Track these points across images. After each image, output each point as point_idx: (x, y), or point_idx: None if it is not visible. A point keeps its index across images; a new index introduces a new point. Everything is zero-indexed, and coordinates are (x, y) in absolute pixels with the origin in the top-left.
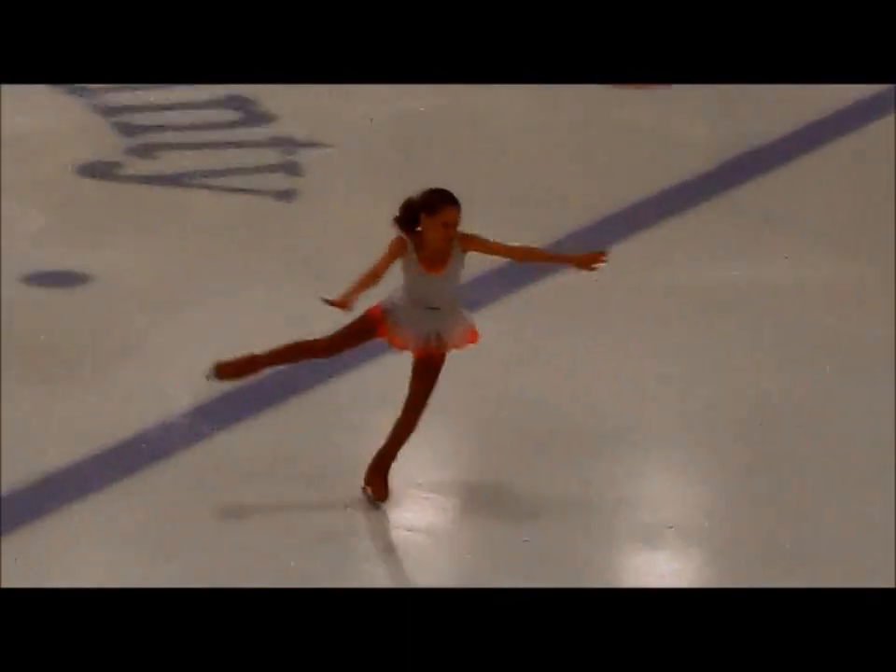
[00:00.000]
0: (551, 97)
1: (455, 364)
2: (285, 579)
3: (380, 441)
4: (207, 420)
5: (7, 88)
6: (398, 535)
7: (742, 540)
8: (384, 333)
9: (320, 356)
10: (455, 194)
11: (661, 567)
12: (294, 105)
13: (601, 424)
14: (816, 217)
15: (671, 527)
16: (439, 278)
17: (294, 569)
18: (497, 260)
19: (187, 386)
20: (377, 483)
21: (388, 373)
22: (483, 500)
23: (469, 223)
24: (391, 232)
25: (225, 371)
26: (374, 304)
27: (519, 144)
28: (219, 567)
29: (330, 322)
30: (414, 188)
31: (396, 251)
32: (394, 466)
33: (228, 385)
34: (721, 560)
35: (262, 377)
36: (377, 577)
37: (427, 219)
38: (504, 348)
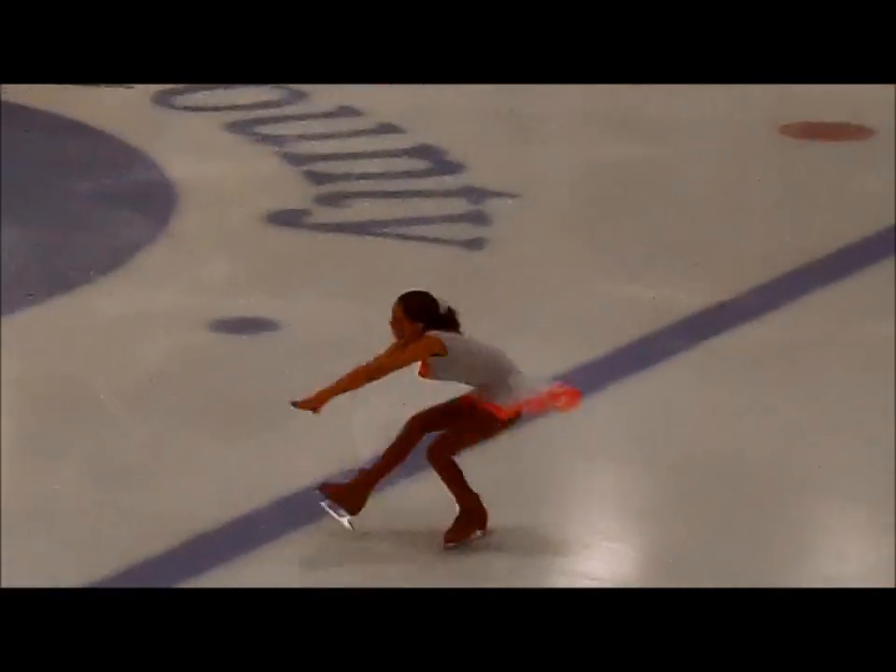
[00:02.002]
0: (735, 146)
1: (642, 415)
2: None
3: None
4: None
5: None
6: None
7: None
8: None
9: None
10: (638, 245)
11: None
12: (482, 154)
13: (785, 474)
14: None
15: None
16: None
17: None
18: (683, 311)
19: (369, 436)
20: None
21: None
22: (662, 550)
23: (647, 276)
24: (588, 277)
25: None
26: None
27: (706, 197)
28: None
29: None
30: (602, 234)
31: (430, 352)
32: (575, 513)
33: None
34: None
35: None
36: None
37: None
38: (691, 399)
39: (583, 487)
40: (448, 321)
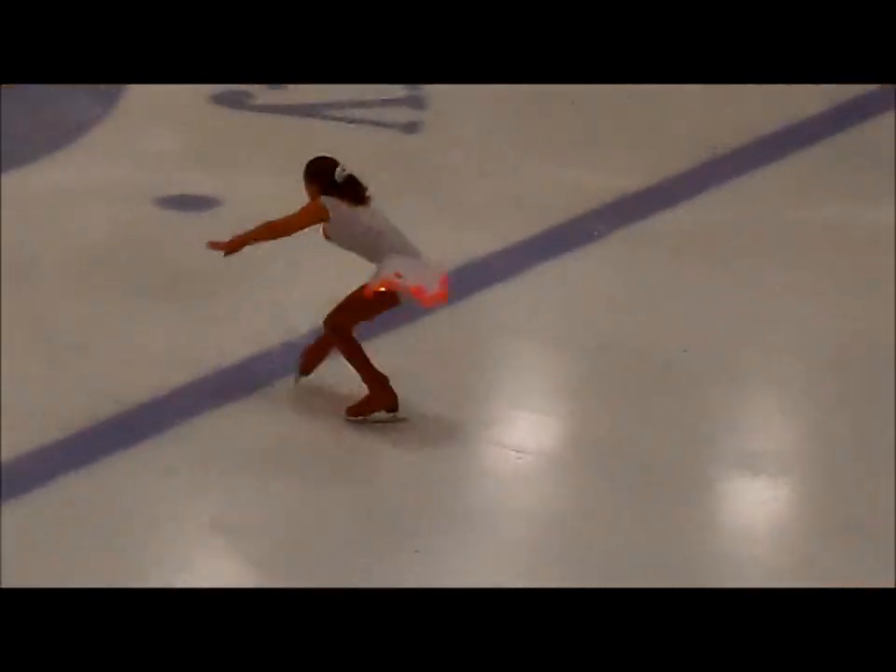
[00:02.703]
0: None
1: (570, 298)
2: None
3: None
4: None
5: None
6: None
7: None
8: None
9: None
10: (567, 131)
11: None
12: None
13: (707, 358)
14: None
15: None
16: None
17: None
18: (614, 194)
19: (305, 309)
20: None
21: None
22: (588, 424)
23: (575, 160)
24: (518, 160)
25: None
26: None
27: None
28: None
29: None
30: (533, 118)
31: (317, 216)
32: (502, 388)
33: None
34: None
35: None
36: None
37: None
38: (617, 283)
39: (508, 364)
40: (346, 189)
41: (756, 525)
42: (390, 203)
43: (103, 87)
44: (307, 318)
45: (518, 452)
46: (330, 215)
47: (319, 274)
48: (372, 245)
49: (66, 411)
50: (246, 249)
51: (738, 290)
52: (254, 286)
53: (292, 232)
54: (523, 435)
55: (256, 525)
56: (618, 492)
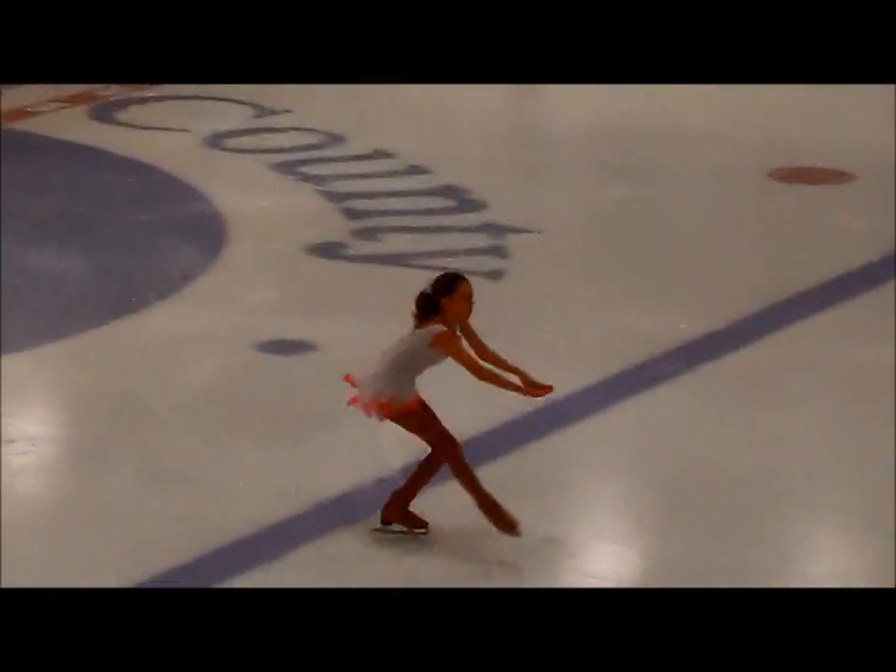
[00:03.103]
0: (728, 189)
1: (644, 435)
2: None
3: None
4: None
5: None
6: (587, 583)
7: None
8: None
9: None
10: (642, 277)
11: None
12: (501, 194)
13: (769, 486)
14: None
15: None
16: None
17: None
18: (683, 337)
19: (400, 446)
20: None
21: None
22: (664, 551)
23: (650, 300)
24: (593, 307)
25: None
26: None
27: (700, 235)
28: None
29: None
30: (607, 268)
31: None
32: (583, 520)
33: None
34: None
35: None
36: None
37: (449, 300)
38: (688, 421)
39: (587, 495)
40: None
41: None
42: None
43: (207, 239)
44: (400, 455)
45: (596, 579)
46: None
47: None
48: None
49: (173, 541)
50: (343, 391)
51: (805, 425)
52: (350, 425)
53: (474, 363)
54: (603, 565)
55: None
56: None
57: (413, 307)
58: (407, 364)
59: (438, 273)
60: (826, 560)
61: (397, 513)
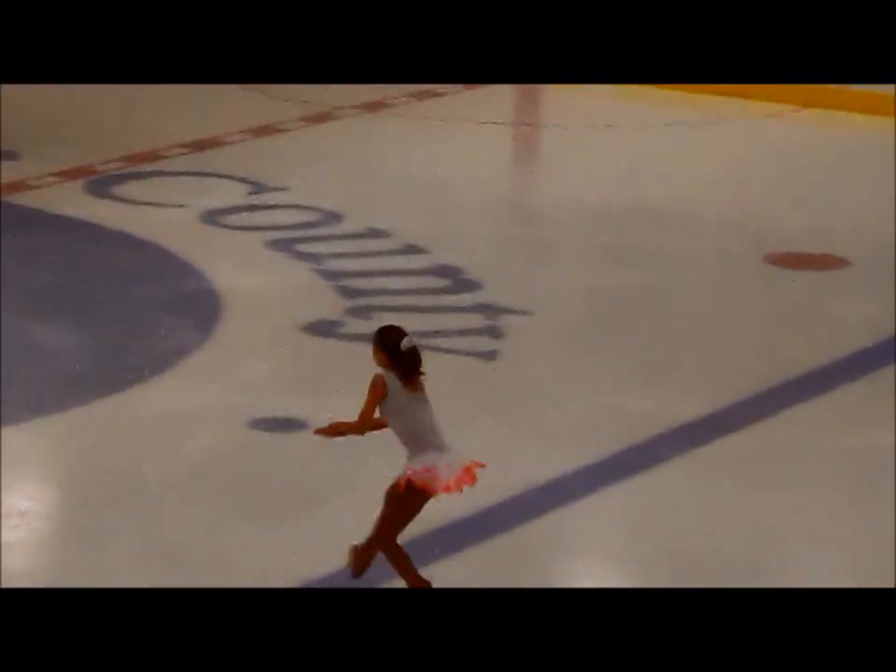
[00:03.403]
0: (724, 273)
1: (636, 519)
2: None
3: None
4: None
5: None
6: None
7: None
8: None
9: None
10: (638, 359)
11: None
12: (496, 274)
13: (773, 576)
14: None
15: None
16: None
17: None
18: (677, 421)
19: None
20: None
21: None
22: None
23: (646, 382)
24: (589, 388)
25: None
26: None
27: (696, 319)
28: None
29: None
30: (602, 349)
31: (379, 392)
32: None
33: (427, 525)
34: None
35: None
36: None
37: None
38: (681, 504)
39: (576, 581)
40: (407, 359)
41: None
42: (469, 423)
43: (201, 316)
44: None
45: None
46: (388, 391)
47: None
48: (414, 435)
49: None
50: (334, 468)
51: (802, 513)
52: (341, 502)
53: (370, 414)
54: None
55: None
56: None
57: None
58: None
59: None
60: None
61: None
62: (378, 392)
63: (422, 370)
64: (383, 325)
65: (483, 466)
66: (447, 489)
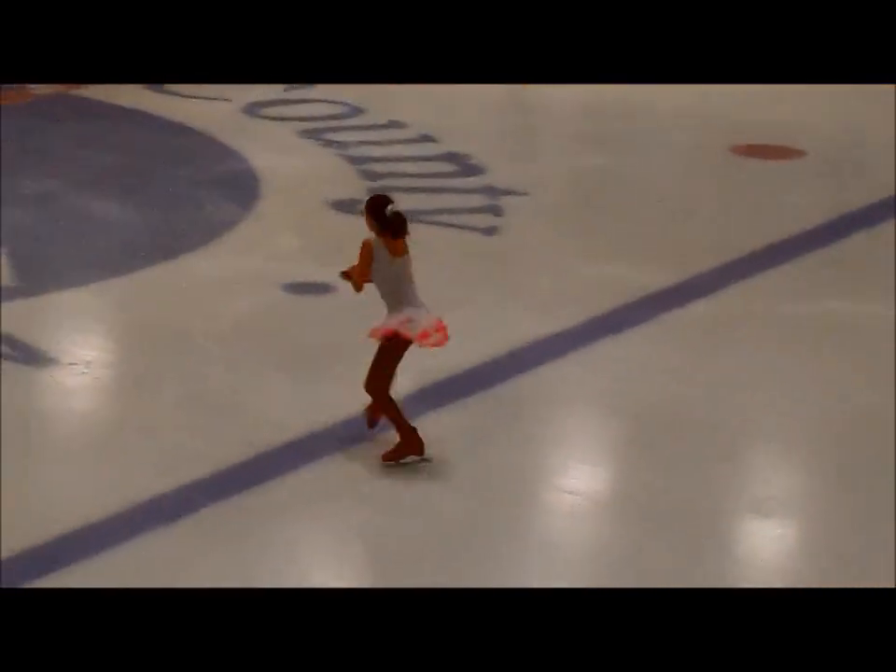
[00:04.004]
0: (695, 160)
1: (615, 373)
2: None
3: None
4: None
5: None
6: (564, 500)
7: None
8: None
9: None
10: (616, 234)
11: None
12: (497, 160)
13: (725, 420)
14: None
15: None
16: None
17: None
18: (653, 288)
19: (409, 375)
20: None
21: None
22: (631, 475)
23: (623, 254)
24: (575, 259)
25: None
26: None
27: (668, 198)
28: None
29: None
30: (587, 226)
31: (367, 256)
32: (560, 444)
33: (436, 376)
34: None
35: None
36: None
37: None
38: (655, 361)
39: (564, 425)
40: (393, 223)
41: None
42: (471, 290)
43: (242, 194)
44: (409, 381)
45: (572, 494)
46: (374, 255)
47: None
48: (396, 294)
49: (208, 453)
50: (356, 327)
51: (755, 369)
52: (362, 355)
53: (364, 273)
54: (579, 483)
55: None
56: (654, 530)
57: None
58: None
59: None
60: (773, 482)
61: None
62: (366, 254)
63: (408, 233)
64: (372, 194)
65: (446, 326)
66: (424, 336)
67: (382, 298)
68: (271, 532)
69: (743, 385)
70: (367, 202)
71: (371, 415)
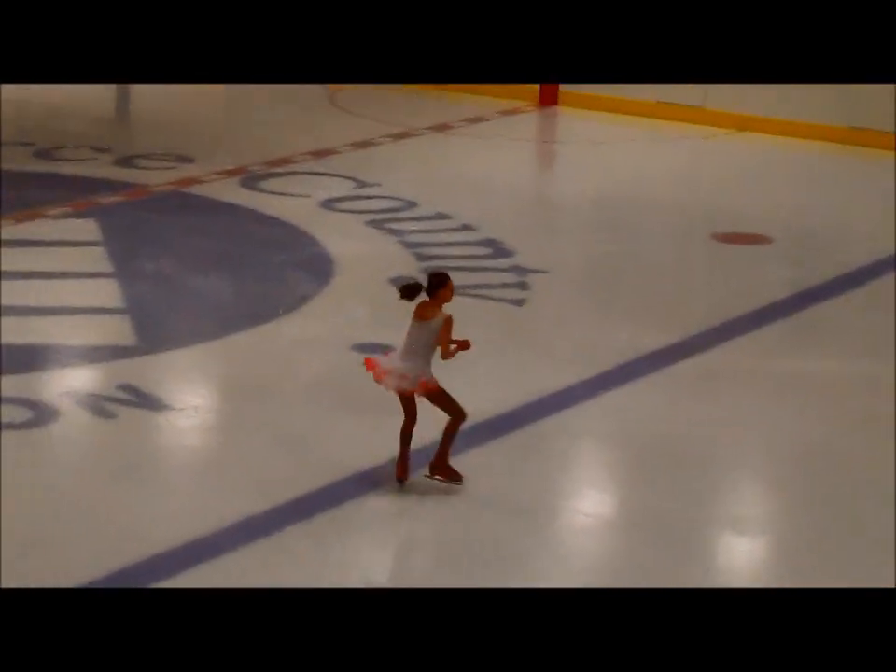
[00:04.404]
0: (683, 245)
1: (621, 413)
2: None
3: None
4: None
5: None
6: (580, 520)
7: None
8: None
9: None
10: (621, 304)
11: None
12: (525, 245)
13: (712, 453)
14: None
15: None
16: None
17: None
18: (655, 346)
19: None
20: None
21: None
22: (635, 495)
23: (625, 324)
24: (588, 325)
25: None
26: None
27: (664, 275)
28: None
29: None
30: (598, 298)
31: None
32: (572, 471)
33: (475, 419)
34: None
35: None
36: None
37: (444, 289)
38: (655, 406)
39: (579, 456)
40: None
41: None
42: (502, 350)
43: (319, 272)
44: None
45: (585, 515)
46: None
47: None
48: (427, 354)
49: (296, 479)
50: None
51: (737, 413)
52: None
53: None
54: (587, 502)
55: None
56: (650, 541)
57: (421, 292)
58: (430, 349)
59: (434, 270)
60: (749, 503)
61: (441, 470)
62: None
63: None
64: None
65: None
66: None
67: (426, 356)
68: (344, 545)
69: (728, 425)
70: (442, 276)
71: (403, 469)
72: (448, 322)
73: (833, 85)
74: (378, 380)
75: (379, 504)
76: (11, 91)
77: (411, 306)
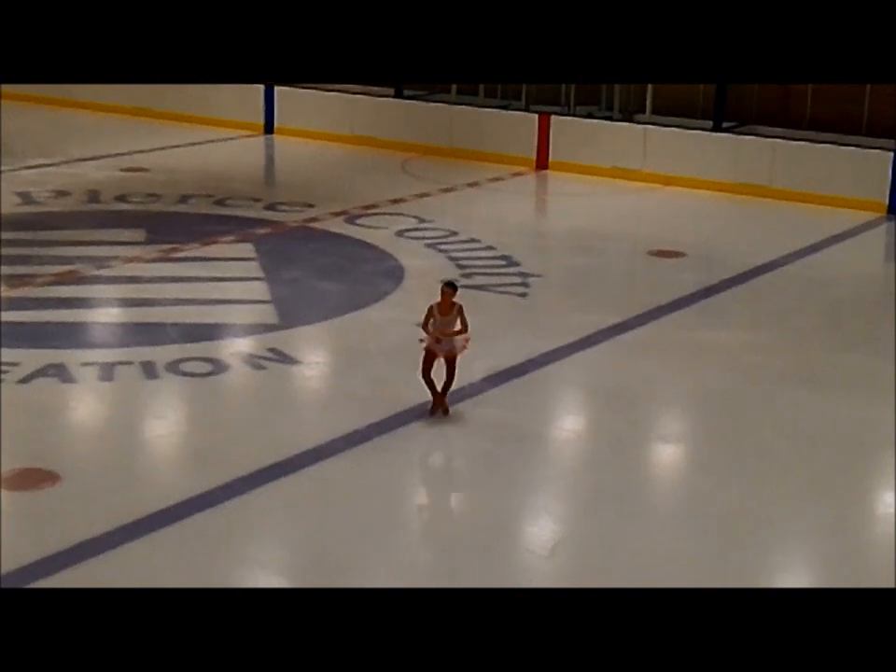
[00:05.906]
0: (630, 258)
1: (587, 367)
2: None
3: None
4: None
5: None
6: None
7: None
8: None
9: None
10: (591, 297)
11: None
12: (528, 258)
13: (649, 398)
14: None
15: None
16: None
17: None
18: (610, 321)
19: (469, 371)
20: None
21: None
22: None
23: (594, 310)
24: (568, 311)
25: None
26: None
27: (618, 278)
28: None
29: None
30: (575, 294)
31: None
32: (546, 404)
33: (486, 372)
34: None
35: None
36: None
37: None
38: (610, 363)
39: (560, 395)
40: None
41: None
42: (509, 329)
43: (394, 278)
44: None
45: (564, 430)
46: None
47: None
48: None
49: (373, 407)
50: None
51: (665, 370)
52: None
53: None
54: (567, 423)
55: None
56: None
57: (447, 289)
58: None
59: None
60: (672, 424)
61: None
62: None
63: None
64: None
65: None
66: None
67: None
68: (407, 448)
69: (657, 376)
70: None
71: (440, 403)
72: (462, 309)
73: (726, 151)
74: (431, 348)
75: (427, 425)
76: (194, 158)
77: (459, 299)
